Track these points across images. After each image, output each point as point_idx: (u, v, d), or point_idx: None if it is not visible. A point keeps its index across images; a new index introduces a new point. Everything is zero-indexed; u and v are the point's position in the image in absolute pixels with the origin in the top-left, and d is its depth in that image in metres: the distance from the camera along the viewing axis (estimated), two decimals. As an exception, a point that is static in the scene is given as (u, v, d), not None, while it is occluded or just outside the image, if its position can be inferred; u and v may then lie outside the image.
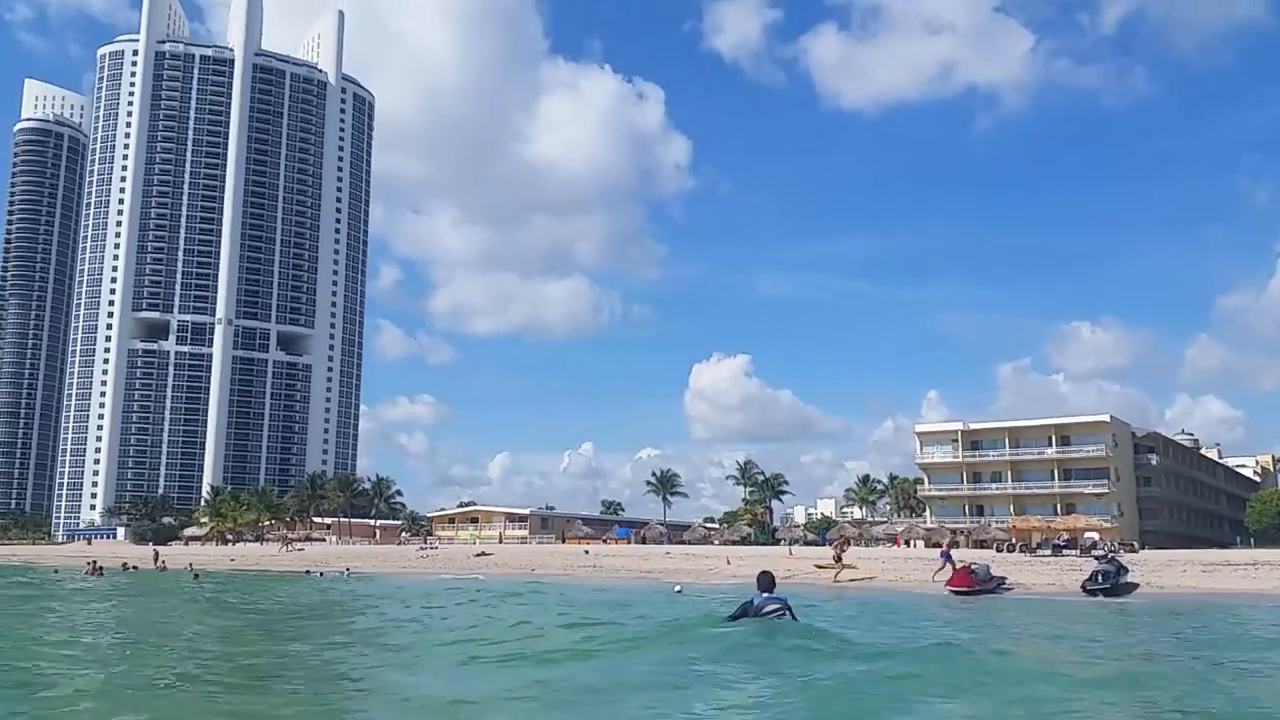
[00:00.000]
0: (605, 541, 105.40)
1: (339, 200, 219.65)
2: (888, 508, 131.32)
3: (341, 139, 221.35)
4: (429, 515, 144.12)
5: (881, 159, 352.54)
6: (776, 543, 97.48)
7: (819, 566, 48.01)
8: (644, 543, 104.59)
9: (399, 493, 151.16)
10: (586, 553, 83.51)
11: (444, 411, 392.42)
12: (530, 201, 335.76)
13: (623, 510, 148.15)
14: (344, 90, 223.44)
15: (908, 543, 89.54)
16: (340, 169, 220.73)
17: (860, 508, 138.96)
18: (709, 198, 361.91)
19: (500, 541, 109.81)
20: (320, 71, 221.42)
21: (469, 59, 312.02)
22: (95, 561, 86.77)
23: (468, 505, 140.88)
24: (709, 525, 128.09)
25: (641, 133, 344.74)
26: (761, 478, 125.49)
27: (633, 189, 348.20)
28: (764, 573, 14.17)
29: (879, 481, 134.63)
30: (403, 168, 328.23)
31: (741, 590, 23.11)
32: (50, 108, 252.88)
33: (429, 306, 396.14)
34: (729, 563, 66.32)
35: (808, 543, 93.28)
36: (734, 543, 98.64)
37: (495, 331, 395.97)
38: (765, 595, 13.66)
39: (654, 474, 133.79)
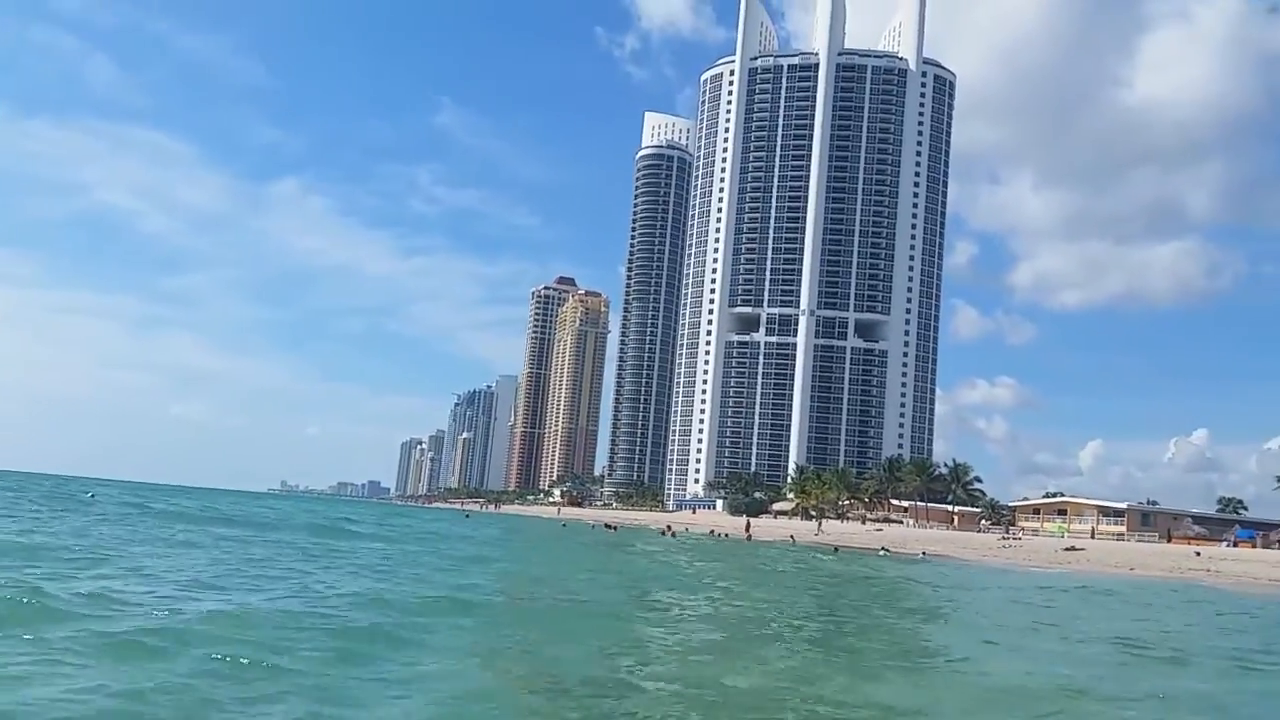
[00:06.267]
0: (1223, 543, 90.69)
1: (916, 184, 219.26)
2: None
3: (921, 123, 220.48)
4: (1011, 504, 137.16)
5: None
6: None
7: None
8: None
9: (978, 479, 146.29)
10: (1198, 554, 72.97)
11: (1026, 394, 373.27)
12: (1127, 154, 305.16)
13: (1245, 509, 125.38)
14: (924, 75, 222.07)
15: None
16: (919, 153, 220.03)
17: None
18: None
19: (1092, 536, 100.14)
20: (900, 60, 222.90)
21: (1054, 8, 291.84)
22: (670, 526, 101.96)
23: (1054, 496, 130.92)
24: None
25: (1277, 54, 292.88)
26: None
27: (1261, 124, 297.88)
28: None
29: None
30: (979, 135, 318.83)
31: None
32: (663, 134, 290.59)
33: (1007, 282, 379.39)
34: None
35: None
36: None
37: (1084, 305, 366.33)
38: None
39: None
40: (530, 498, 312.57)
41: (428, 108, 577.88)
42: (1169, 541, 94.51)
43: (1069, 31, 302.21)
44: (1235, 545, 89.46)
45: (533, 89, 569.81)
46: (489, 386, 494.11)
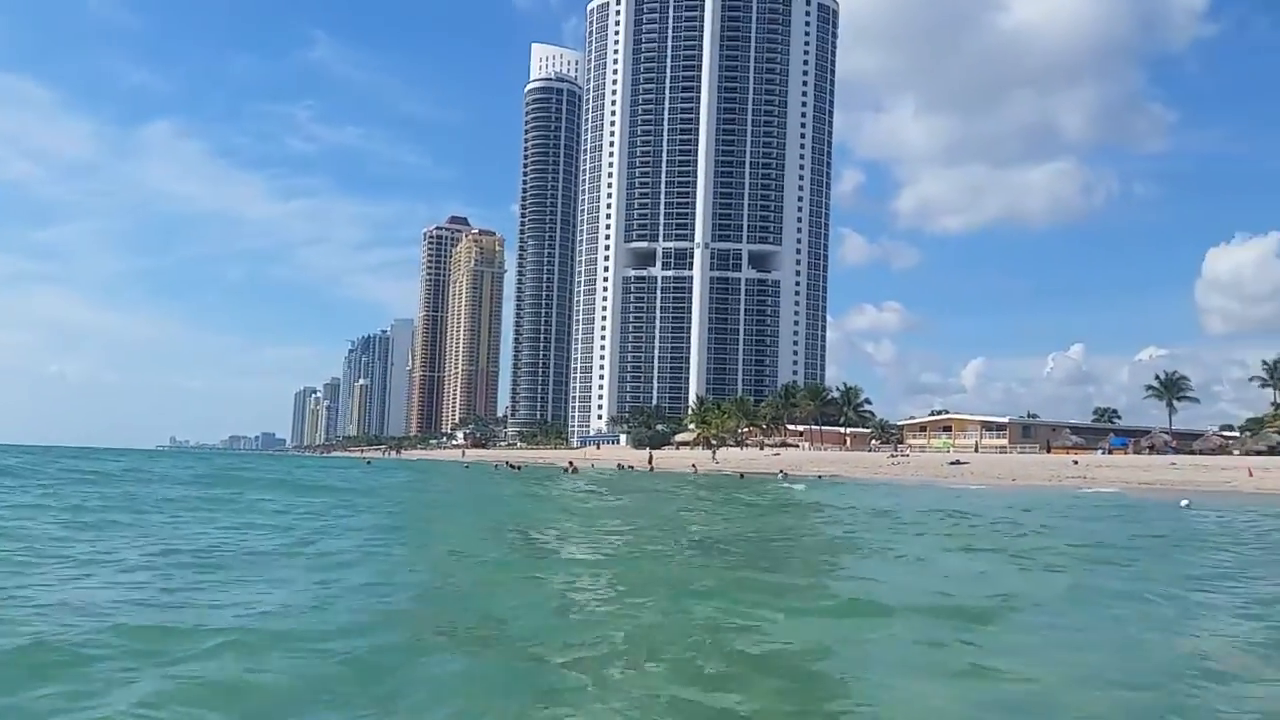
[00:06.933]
0: (1099, 451, 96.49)
1: (803, 116, 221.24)
2: None
3: (806, 53, 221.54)
4: (899, 423, 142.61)
5: None
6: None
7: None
8: (1151, 452, 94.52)
9: (868, 401, 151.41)
10: (1075, 463, 77.56)
11: (912, 318, 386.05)
12: (1003, 78, 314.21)
13: (1119, 418, 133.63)
14: (808, 2, 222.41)
15: None
16: (805, 84, 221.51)
17: None
18: (1236, 46, 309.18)
19: (976, 450, 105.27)
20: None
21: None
22: (572, 463, 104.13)
23: (940, 414, 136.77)
24: (1226, 434, 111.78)
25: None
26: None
27: (1131, 48, 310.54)
28: None
29: None
30: (862, 63, 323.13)
31: (1272, 505, 18.94)
32: (551, 67, 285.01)
33: (892, 208, 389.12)
34: (1251, 474, 58.21)
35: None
36: (1259, 453, 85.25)
37: (965, 229, 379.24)
38: None
39: (1157, 377, 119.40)
40: (433, 442, 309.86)
41: (301, 41, 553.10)
42: (1048, 452, 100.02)
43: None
44: (1110, 453, 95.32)
45: (412, 20, 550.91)
46: (384, 331, 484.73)
